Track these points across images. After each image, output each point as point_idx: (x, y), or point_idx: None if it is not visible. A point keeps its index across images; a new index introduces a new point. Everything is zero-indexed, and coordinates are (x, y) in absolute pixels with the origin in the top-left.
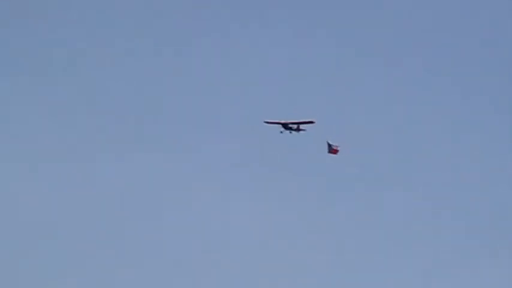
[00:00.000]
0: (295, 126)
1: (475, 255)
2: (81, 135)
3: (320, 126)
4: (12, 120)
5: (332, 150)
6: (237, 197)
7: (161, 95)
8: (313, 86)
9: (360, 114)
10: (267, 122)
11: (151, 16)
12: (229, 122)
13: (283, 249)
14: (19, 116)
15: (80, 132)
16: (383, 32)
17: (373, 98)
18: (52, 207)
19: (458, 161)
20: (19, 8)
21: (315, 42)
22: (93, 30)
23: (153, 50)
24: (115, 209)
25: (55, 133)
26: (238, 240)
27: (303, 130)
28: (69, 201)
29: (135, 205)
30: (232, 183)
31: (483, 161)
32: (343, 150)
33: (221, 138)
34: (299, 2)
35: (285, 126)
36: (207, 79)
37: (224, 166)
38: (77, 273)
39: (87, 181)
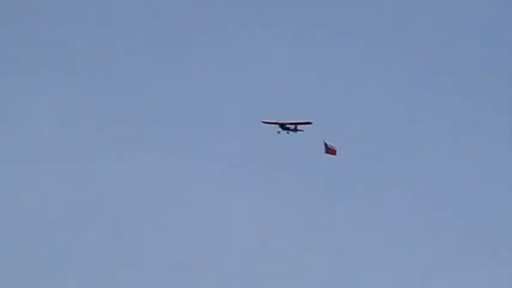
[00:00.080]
0: (292, 126)
1: (475, 255)
2: (81, 135)
3: (317, 127)
4: (12, 120)
5: (329, 150)
6: (236, 197)
7: (161, 95)
8: (313, 86)
9: (359, 115)
10: (265, 122)
11: (151, 16)
12: (229, 122)
13: (283, 249)
14: (19, 116)
15: (80, 132)
16: (383, 32)
17: (373, 98)
18: (52, 207)
19: (458, 161)
20: (19, 8)
21: (314, 42)
22: (93, 30)
23: (153, 50)
24: (115, 209)
25: (55, 133)
26: (238, 240)
27: (301, 130)
28: (69, 201)
29: (135, 205)
30: (232, 183)
31: (483, 161)
32: (342, 151)
33: (221, 138)
34: (299, 2)
35: (283, 126)
36: (206, 79)
37: (223, 166)
38: (77, 273)
39: (87, 181)
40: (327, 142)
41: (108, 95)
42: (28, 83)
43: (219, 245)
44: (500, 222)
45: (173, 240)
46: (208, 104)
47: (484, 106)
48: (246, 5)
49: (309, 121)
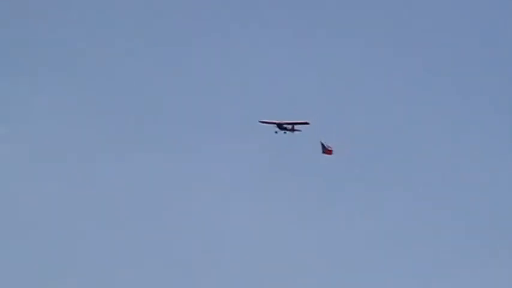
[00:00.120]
0: (290, 126)
1: (475, 255)
2: (81, 135)
3: (315, 127)
4: (12, 120)
5: (326, 150)
6: (236, 197)
7: (161, 95)
8: (312, 86)
9: (358, 115)
10: (262, 122)
11: (151, 16)
12: (229, 122)
13: (282, 249)
14: (19, 116)
15: (80, 132)
16: (383, 32)
17: (372, 98)
18: (52, 207)
19: (458, 161)
20: (19, 8)
21: (314, 42)
22: (93, 30)
23: (153, 50)
24: (115, 208)
25: (55, 133)
26: (237, 240)
27: (298, 130)
28: (69, 201)
29: (135, 205)
30: (231, 183)
31: (483, 161)
32: (340, 151)
33: (221, 138)
34: (299, 2)
35: (280, 126)
36: (206, 79)
37: (223, 166)
38: (77, 273)
39: (87, 181)
40: (324, 142)
41: (108, 95)
42: (28, 83)
43: (218, 244)
44: (500, 222)
45: (173, 240)
46: (208, 104)
47: (484, 106)
48: (246, 5)
49: (306, 121)
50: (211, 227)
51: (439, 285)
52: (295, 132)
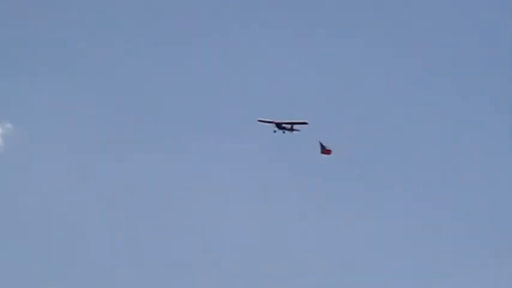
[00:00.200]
0: (288, 126)
1: (475, 255)
2: (81, 135)
3: (314, 127)
4: (12, 120)
5: (324, 150)
6: (236, 197)
7: (161, 95)
8: (312, 86)
9: (358, 115)
10: (261, 121)
11: (151, 16)
12: (229, 121)
13: (282, 249)
14: (19, 116)
15: (80, 132)
16: (383, 32)
17: (372, 98)
18: (52, 207)
19: (458, 161)
20: (19, 8)
21: (313, 42)
22: (93, 30)
23: (153, 50)
24: (115, 209)
25: (55, 133)
26: (237, 239)
27: (297, 130)
28: (68, 201)
29: (135, 205)
30: (231, 183)
31: (483, 161)
32: (340, 151)
33: (221, 138)
34: (299, 2)
35: (279, 125)
36: (206, 79)
37: (223, 166)
38: (77, 273)
39: (87, 181)
40: (322, 142)
41: (108, 95)
42: (28, 83)
43: (218, 244)
44: (500, 222)
45: (172, 240)
46: (209, 104)
47: (484, 106)
48: (246, 5)
49: (305, 121)
50: (211, 226)
51: (439, 285)
52: (294, 132)
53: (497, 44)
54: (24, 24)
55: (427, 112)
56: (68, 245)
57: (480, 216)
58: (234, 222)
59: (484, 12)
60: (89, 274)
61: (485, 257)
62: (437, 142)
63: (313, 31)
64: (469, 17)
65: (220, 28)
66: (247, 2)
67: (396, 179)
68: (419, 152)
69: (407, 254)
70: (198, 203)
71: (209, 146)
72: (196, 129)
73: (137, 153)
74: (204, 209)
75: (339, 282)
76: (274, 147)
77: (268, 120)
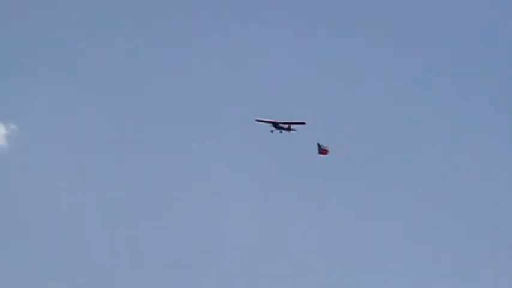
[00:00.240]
0: (286, 126)
1: (475, 255)
2: (81, 135)
3: (312, 127)
4: (12, 120)
5: (322, 151)
6: (235, 197)
7: (161, 95)
8: (312, 86)
9: (358, 115)
10: (259, 121)
11: (151, 16)
12: (230, 121)
13: (282, 249)
14: (19, 116)
15: (80, 132)
16: (383, 32)
17: (372, 98)
18: (52, 207)
19: (458, 161)
20: (19, 8)
21: (314, 42)
22: (93, 30)
23: (153, 50)
24: (115, 208)
25: (55, 133)
26: (237, 239)
27: (294, 130)
28: (68, 200)
29: (135, 205)
30: (230, 182)
31: (483, 161)
32: (339, 150)
33: (220, 138)
34: (299, 2)
35: (276, 125)
36: (206, 79)
37: (222, 166)
38: (77, 273)
39: (87, 181)
40: (321, 142)
41: (108, 95)
42: (28, 83)
43: (218, 243)
44: (500, 222)
45: (172, 239)
46: (207, 104)
47: (484, 106)
48: (246, 5)
49: (303, 121)
50: (210, 226)
51: (439, 285)
52: (291, 132)
53: (497, 44)
54: (24, 24)
55: (427, 112)
56: (68, 245)
57: (480, 216)
58: (233, 221)
59: (484, 12)
60: (89, 274)
61: (485, 257)
62: (437, 142)
63: (312, 31)
64: (469, 17)
65: (220, 28)
66: (247, 2)
67: (396, 179)
68: (419, 152)
69: (407, 254)
70: (198, 202)
71: (208, 146)
72: (196, 129)
73: (137, 153)
74: (204, 209)
75: (339, 282)
76: (273, 147)
77: (266, 120)
